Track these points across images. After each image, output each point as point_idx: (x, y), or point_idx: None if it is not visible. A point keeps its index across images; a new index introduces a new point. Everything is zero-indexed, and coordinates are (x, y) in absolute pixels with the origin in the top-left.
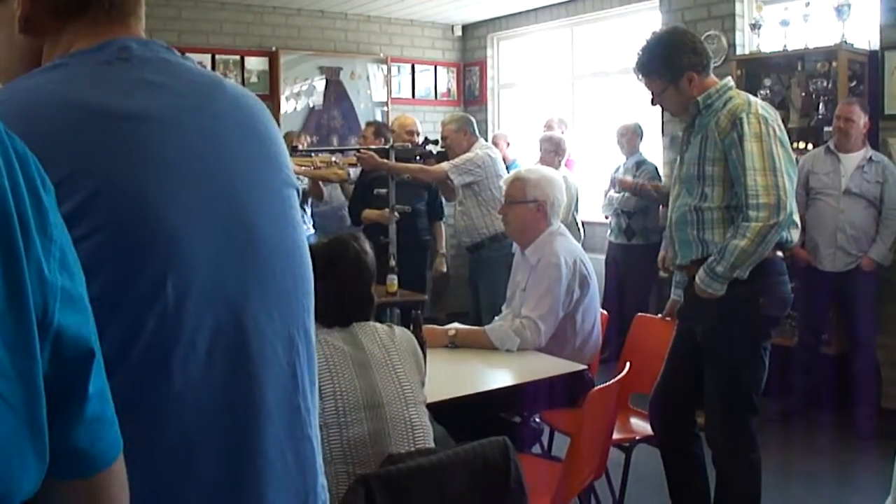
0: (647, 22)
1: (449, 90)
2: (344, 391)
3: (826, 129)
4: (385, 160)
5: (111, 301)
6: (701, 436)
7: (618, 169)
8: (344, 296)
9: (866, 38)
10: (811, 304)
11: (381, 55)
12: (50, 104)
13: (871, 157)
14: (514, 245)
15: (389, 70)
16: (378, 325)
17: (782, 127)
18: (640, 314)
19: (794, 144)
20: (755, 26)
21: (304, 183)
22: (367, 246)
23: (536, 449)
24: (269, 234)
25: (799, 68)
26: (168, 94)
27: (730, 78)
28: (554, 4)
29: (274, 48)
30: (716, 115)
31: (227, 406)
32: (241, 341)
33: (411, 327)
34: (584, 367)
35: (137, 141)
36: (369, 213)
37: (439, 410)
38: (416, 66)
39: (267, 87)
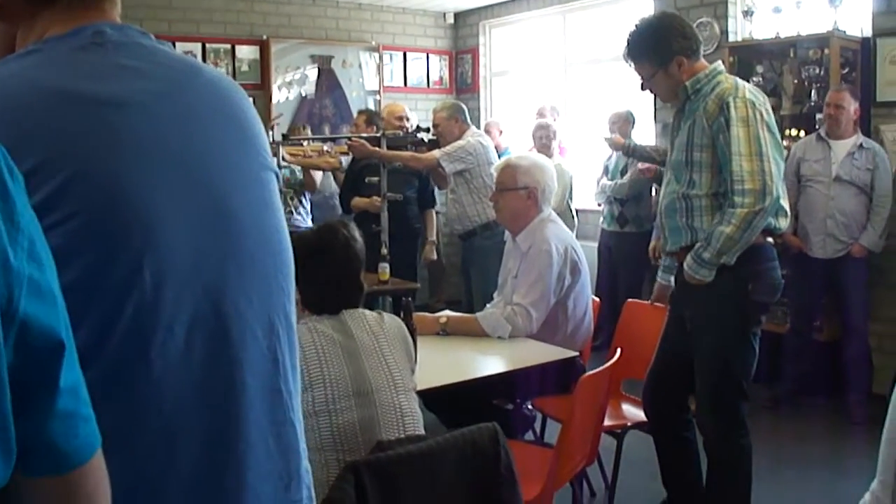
0: (639, 9)
1: (441, 78)
2: (333, 378)
3: (818, 116)
4: (376, 148)
5: (88, 288)
6: (694, 421)
7: (610, 157)
8: (333, 283)
9: (858, 25)
10: (803, 291)
11: (373, 43)
12: (23, 90)
13: (861, 144)
14: (506, 232)
15: (381, 58)
16: (367, 312)
17: (770, 111)
18: (630, 300)
19: (786, 131)
20: (747, 13)
21: (297, 173)
22: (357, 233)
23: (529, 436)
24: (247, 219)
25: (791, 55)
26: (144, 79)
27: (720, 62)
28: None
29: (265, 37)
30: (704, 100)
31: (207, 391)
32: (221, 326)
33: (401, 314)
34: (576, 353)
35: (112, 126)
36: (358, 202)
37: (431, 398)
38: (407, 54)
39: (258, 77)
